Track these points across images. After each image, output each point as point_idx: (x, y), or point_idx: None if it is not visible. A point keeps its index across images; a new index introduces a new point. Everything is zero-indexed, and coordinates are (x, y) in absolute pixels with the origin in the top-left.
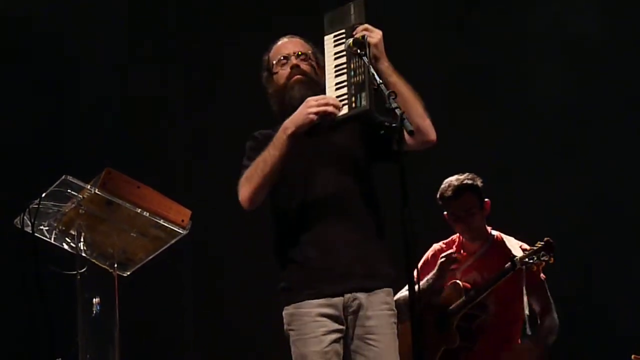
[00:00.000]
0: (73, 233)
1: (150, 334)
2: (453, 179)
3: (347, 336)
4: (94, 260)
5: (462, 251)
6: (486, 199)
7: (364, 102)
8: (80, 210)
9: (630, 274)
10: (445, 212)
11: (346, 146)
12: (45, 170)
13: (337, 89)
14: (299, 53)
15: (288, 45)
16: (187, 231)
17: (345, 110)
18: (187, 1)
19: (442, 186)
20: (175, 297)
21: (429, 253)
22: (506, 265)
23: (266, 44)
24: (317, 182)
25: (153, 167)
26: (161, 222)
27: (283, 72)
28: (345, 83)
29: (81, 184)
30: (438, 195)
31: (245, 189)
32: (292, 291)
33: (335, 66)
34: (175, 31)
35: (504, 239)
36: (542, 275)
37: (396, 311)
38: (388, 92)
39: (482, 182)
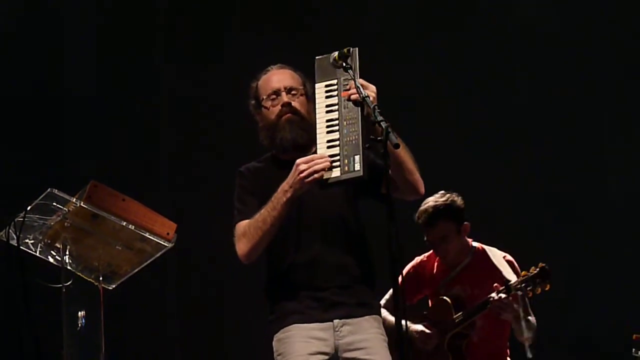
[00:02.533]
0: (58, 246)
1: (135, 347)
2: (430, 202)
3: None
4: (79, 274)
5: (444, 266)
6: (465, 222)
7: (357, 167)
8: (66, 224)
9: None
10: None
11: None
12: (30, 183)
13: (328, 147)
14: (290, 88)
15: (278, 78)
16: (173, 244)
17: (337, 173)
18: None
19: (420, 209)
20: (159, 310)
21: (409, 267)
22: (500, 289)
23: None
24: (309, 222)
25: (138, 180)
26: (146, 235)
27: (274, 109)
28: (337, 142)
29: (66, 197)
30: (415, 218)
31: (243, 245)
32: (282, 318)
33: (327, 120)
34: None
35: (487, 250)
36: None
37: (386, 337)
38: (373, 105)
39: (461, 202)
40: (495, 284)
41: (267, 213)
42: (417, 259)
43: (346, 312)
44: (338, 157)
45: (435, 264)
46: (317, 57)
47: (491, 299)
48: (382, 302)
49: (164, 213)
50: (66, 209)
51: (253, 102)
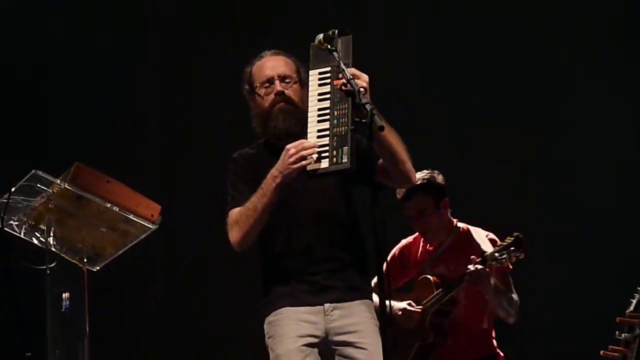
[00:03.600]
0: (43, 228)
1: (119, 329)
2: None
3: (326, 345)
4: (63, 255)
5: (428, 246)
6: (445, 198)
7: (344, 160)
8: (50, 205)
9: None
10: None
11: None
12: (14, 164)
13: (319, 137)
14: (283, 76)
15: (272, 65)
16: (157, 226)
17: (325, 164)
18: None
19: None
20: (144, 292)
21: (395, 250)
22: (476, 260)
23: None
24: (301, 208)
25: (123, 162)
26: (131, 216)
27: (267, 97)
28: (327, 132)
29: (51, 178)
30: (397, 195)
31: (235, 233)
32: (273, 301)
33: (319, 109)
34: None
35: (471, 231)
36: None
37: (377, 321)
38: (358, 87)
39: (442, 179)
40: (472, 257)
41: (257, 200)
42: (402, 242)
43: (337, 296)
44: (327, 148)
45: (420, 245)
46: (312, 43)
47: (467, 270)
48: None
49: (149, 194)
50: (50, 191)
51: (247, 87)
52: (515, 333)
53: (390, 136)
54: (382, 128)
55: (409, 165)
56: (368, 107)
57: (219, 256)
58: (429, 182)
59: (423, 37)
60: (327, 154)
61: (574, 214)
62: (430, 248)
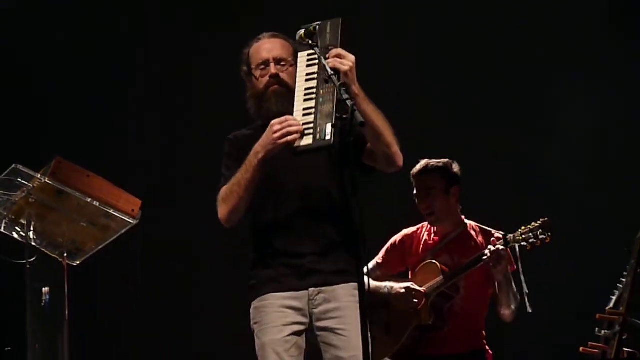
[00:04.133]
0: (23, 222)
1: (99, 323)
2: (429, 160)
3: (312, 330)
4: (43, 250)
5: (433, 236)
6: (456, 186)
7: (327, 136)
8: (30, 199)
9: None
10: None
11: (319, 156)
12: None
13: (304, 115)
14: (279, 59)
15: (268, 47)
16: (137, 221)
17: (309, 140)
18: None
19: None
20: (124, 286)
21: (397, 237)
22: (497, 243)
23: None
24: (290, 187)
25: (105, 157)
26: (111, 211)
27: (262, 79)
28: (312, 110)
29: (31, 173)
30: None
31: (222, 209)
32: (259, 286)
33: (306, 89)
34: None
35: (480, 228)
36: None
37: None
38: (339, 84)
39: (458, 170)
40: (493, 238)
41: (241, 176)
42: (405, 231)
43: (321, 279)
44: (312, 125)
45: (424, 236)
46: (303, 26)
47: (487, 250)
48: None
49: (130, 189)
50: (31, 185)
51: (244, 68)
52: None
53: (377, 118)
54: (362, 124)
55: (395, 148)
56: (349, 102)
57: (200, 250)
58: (445, 166)
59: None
60: (311, 131)
61: (553, 210)
62: (436, 238)
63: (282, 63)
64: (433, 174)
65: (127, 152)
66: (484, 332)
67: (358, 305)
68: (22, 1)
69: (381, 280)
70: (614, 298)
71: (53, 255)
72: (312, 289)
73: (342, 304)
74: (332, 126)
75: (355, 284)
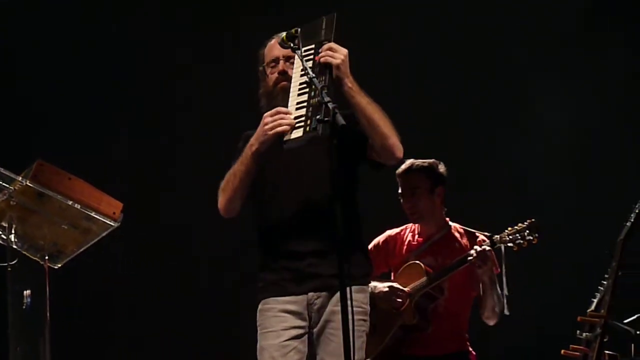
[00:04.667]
0: (4, 225)
1: (81, 326)
2: (414, 160)
3: (312, 334)
4: (25, 252)
5: (417, 237)
6: (441, 187)
7: (315, 127)
8: (12, 202)
9: None
10: None
11: (319, 155)
12: None
13: (297, 109)
14: (288, 57)
15: (279, 46)
16: (119, 224)
17: (299, 132)
18: None
19: None
20: (106, 289)
21: (380, 238)
22: (482, 244)
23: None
24: (291, 189)
25: (86, 160)
26: (92, 214)
27: (272, 76)
28: (305, 103)
29: (12, 175)
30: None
31: (221, 199)
32: (263, 289)
33: (300, 84)
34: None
35: (465, 230)
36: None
37: (365, 308)
38: (321, 85)
39: (444, 171)
40: (479, 239)
41: (237, 167)
42: (389, 232)
43: (320, 284)
44: (303, 119)
45: (407, 237)
46: (301, 26)
47: (473, 251)
48: None
49: (112, 192)
50: (12, 188)
51: (260, 68)
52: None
53: (372, 111)
54: (344, 126)
55: (393, 140)
56: (330, 105)
57: (180, 252)
58: (430, 166)
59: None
60: (302, 124)
61: (531, 211)
62: (420, 239)
63: (292, 60)
64: (418, 174)
65: (110, 153)
66: (467, 333)
67: (355, 310)
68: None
69: None
70: (595, 301)
71: (34, 258)
72: (311, 293)
73: (336, 308)
74: (322, 116)
75: (358, 287)
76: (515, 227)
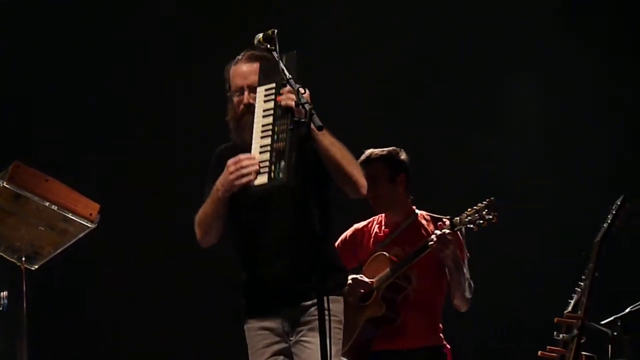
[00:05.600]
0: None
1: (58, 328)
2: (373, 149)
3: (290, 346)
4: (1, 254)
5: (383, 228)
6: (403, 174)
7: (281, 175)
8: None
9: None
10: None
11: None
12: None
13: (261, 153)
14: (252, 87)
15: (244, 73)
16: (96, 225)
17: (264, 179)
18: None
19: None
20: (83, 290)
21: (347, 232)
22: (443, 228)
23: None
24: (256, 220)
25: (87, 159)
26: (69, 215)
27: (238, 106)
28: (268, 147)
29: None
30: None
31: (198, 232)
32: (244, 309)
33: (262, 125)
34: None
35: (431, 217)
36: (467, 253)
37: (340, 317)
38: (297, 87)
39: (405, 158)
40: (440, 223)
41: (207, 207)
42: (356, 225)
43: (292, 298)
44: (267, 164)
45: (374, 229)
46: (261, 62)
47: (433, 235)
48: None
49: (89, 193)
50: None
51: (227, 87)
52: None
53: (335, 151)
54: (321, 127)
55: (355, 178)
56: (307, 106)
57: (160, 255)
58: (389, 154)
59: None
60: (266, 169)
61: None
62: (386, 230)
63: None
64: (376, 163)
65: (110, 152)
66: (441, 325)
67: (330, 318)
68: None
69: None
70: (572, 302)
71: (11, 260)
72: (285, 309)
73: (309, 318)
74: (285, 164)
75: (332, 297)
76: (475, 208)
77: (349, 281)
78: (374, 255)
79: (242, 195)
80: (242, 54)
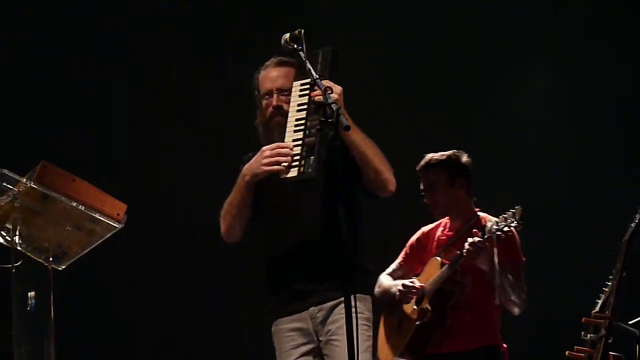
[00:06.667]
0: (8, 226)
1: (85, 328)
2: (433, 154)
3: (321, 347)
4: (29, 254)
5: (446, 231)
6: (463, 178)
7: (310, 170)
8: (16, 204)
9: None
10: None
11: (315, 188)
12: None
13: (294, 146)
14: (281, 89)
15: (272, 77)
16: (123, 225)
17: (294, 172)
18: None
19: None
20: (110, 290)
21: (415, 236)
22: (476, 235)
23: None
24: (286, 219)
25: (88, 159)
26: (96, 215)
27: (267, 109)
28: (300, 141)
29: (17, 177)
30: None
31: (222, 226)
32: (272, 311)
33: (296, 120)
34: None
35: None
36: (523, 257)
37: (367, 315)
38: (324, 87)
39: (466, 161)
40: (474, 230)
41: (233, 195)
42: (422, 229)
43: (320, 298)
44: (298, 158)
45: (439, 232)
46: (298, 57)
47: (467, 243)
48: (388, 270)
49: (116, 194)
50: (16, 190)
51: (256, 93)
52: None
53: (365, 147)
54: (347, 127)
55: (384, 175)
56: (334, 106)
57: (181, 256)
58: (448, 158)
59: None
60: (297, 163)
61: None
62: (449, 233)
63: (285, 93)
64: (435, 169)
65: (110, 152)
66: (499, 325)
67: (358, 316)
68: None
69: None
70: (600, 302)
71: (38, 260)
72: (313, 308)
73: (337, 317)
74: (315, 159)
75: (360, 296)
76: (503, 216)
77: (400, 287)
78: (430, 260)
79: (269, 193)
80: (270, 59)
